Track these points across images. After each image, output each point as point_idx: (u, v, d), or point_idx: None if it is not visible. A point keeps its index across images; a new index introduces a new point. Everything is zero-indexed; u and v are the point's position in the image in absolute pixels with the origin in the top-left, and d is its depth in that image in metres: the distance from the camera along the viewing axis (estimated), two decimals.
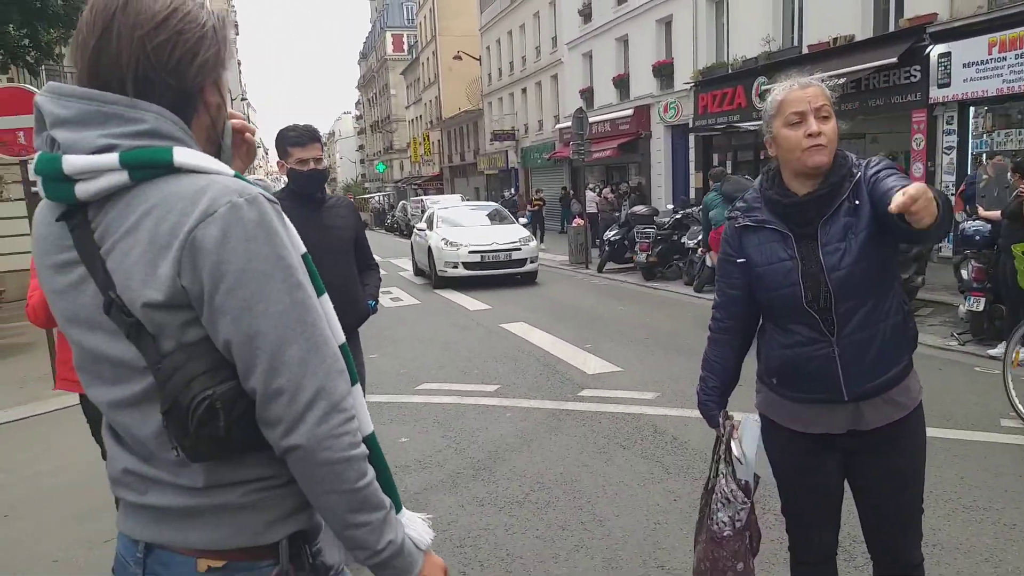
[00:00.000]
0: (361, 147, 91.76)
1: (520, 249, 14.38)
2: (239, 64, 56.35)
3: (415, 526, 1.32)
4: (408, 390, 6.74)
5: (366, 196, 58.49)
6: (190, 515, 1.19)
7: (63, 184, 1.13)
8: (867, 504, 2.31)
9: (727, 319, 2.33)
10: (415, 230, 16.80)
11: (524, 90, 34.42)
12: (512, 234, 14.99)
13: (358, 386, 1.31)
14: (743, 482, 2.25)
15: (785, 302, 2.15)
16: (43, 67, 13.46)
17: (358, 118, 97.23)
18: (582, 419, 5.67)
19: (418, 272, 16.64)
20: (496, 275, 14.07)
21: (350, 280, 3.50)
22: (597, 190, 22.21)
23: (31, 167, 1.28)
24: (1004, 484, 4.17)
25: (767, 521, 3.29)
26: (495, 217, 16.66)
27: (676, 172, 22.03)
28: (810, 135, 2.05)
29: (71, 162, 1.11)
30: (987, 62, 11.94)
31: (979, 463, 4.48)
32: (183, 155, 1.14)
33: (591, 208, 20.78)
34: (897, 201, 1.71)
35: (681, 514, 3.95)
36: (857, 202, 2.09)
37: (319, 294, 1.25)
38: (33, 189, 8.51)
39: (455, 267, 14.00)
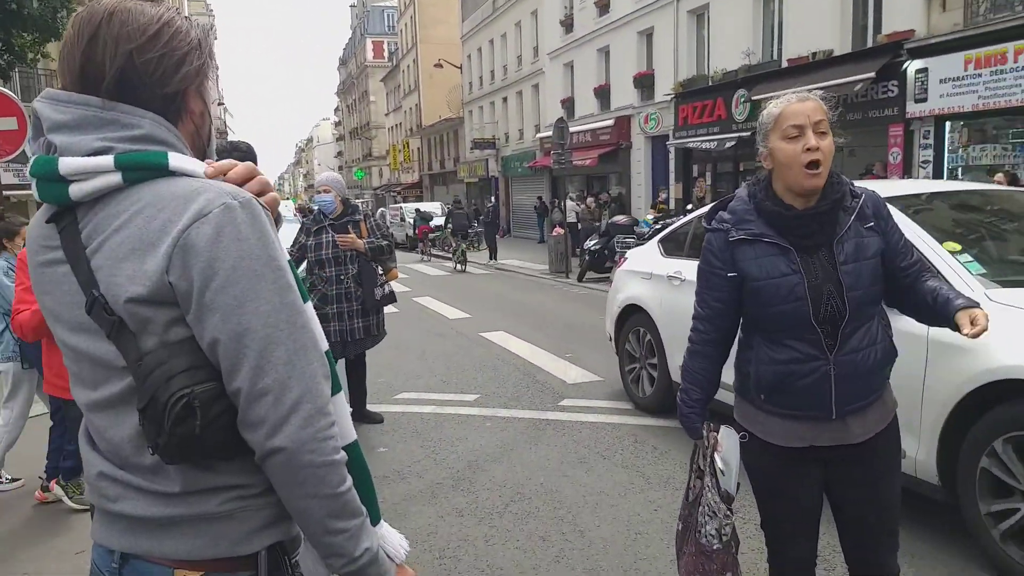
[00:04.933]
0: (340, 153, 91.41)
1: None
2: (216, 69, 55.95)
3: (391, 539, 1.32)
4: (387, 399, 6.68)
5: None
6: (166, 524, 1.17)
7: (57, 185, 1.15)
8: (846, 515, 2.32)
9: (711, 331, 2.32)
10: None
11: (505, 99, 34.46)
12: None
13: (341, 394, 1.30)
14: (725, 493, 2.25)
15: (787, 317, 2.12)
16: (16, 71, 13.20)
17: (337, 124, 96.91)
18: (562, 429, 5.65)
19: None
20: None
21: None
22: (575, 199, 22.25)
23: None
24: None
25: (747, 531, 3.30)
26: None
27: (656, 182, 22.14)
28: (808, 149, 2.04)
29: (67, 164, 1.13)
30: (963, 78, 12.14)
31: None
32: (177, 160, 1.17)
33: (571, 218, 20.81)
34: (969, 331, 2.00)
35: (662, 524, 3.94)
36: (869, 225, 2.11)
37: (303, 301, 1.24)
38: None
39: None
